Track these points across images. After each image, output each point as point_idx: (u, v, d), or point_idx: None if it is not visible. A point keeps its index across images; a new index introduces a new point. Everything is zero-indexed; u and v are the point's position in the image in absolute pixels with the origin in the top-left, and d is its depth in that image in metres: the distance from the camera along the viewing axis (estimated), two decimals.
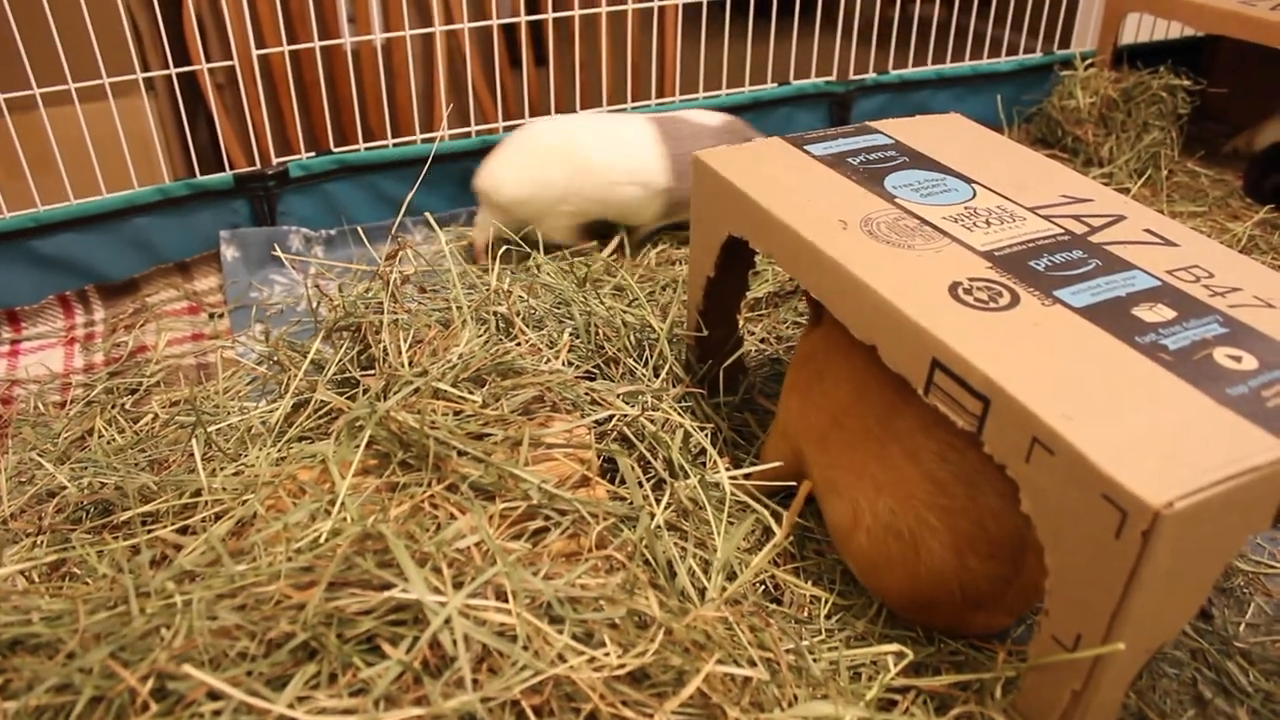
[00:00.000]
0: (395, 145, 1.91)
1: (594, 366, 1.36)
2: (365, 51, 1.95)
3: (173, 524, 1.10)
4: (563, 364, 1.27)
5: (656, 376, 1.37)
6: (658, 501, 1.12)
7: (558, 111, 1.93)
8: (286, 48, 1.75)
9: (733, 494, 1.11)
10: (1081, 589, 0.84)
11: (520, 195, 1.78)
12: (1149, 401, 0.87)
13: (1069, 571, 0.86)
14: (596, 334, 1.38)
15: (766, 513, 1.14)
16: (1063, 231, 1.13)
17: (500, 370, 1.18)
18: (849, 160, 1.29)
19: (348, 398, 1.20)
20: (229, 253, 1.88)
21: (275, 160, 1.84)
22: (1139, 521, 0.78)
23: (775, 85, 2.12)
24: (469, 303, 1.32)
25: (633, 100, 2.04)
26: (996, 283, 1.03)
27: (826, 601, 1.13)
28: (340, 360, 1.23)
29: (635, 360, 1.38)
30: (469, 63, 1.92)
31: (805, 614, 1.11)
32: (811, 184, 1.23)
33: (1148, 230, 1.15)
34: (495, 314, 1.34)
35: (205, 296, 1.88)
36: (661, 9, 2.09)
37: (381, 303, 1.29)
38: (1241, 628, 1.15)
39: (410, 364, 1.19)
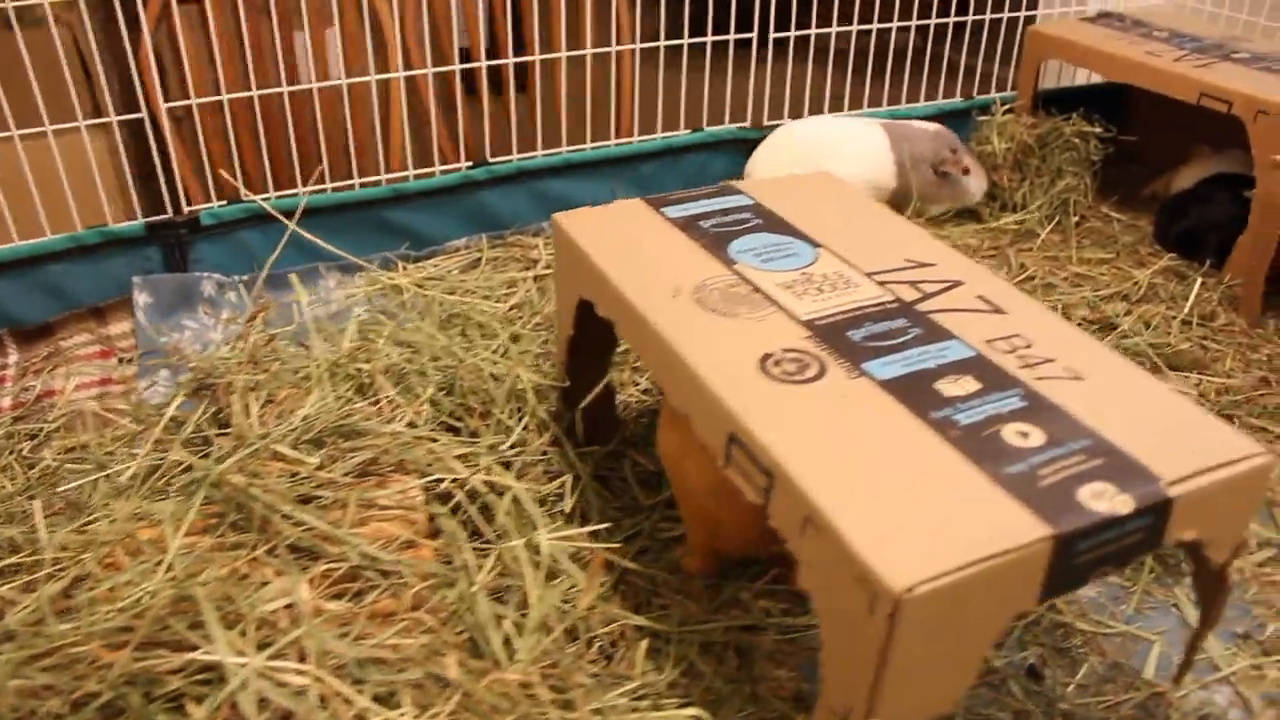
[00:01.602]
0: (307, 192, 1.94)
1: (458, 419, 1.38)
2: (310, 96, 1.97)
3: (15, 581, 1.13)
4: (419, 422, 1.29)
5: (524, 429, 1.39)
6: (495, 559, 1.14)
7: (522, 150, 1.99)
8: (195, 100, 1.79)
9: (552, 557, 1.13)
10: (847, 665, 0.86)
11: (763, 178, 2.03)
12: (922, 481, 0.89)
13: (836, 647, 0.87)
14: (463, 387, 1.40)
15: (579, 572, 1.16)
16: (893, 299, 1.15)
17: (343, 432, 1.20)
18: (700, 224, 1.32)
19: (202, 457, 1.23)
20: (141, 298, 1.91)
21: (195, 207, 1.87)
22: (884, 604, 0.79)
23: (688, 131, 2.15)
24: (334, 359, 1.35)
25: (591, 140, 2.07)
26: (808, 354, 1.05)
27: (665, 655, 1.15)
28: (198, 420, 1.26)
29: (504, 413, 1.40)
30: (418, 103, 1.95)
31: (633, 668, 1.13)
32: (657, 249, 1.26)
33: (980, 297, 1.17)
34: (359, 370, 1.37)
35: (118, 341, 1.91)
36: (619, 54, 2.12)
37: (249, 360, 1.32)
38: (1071, 688, 1.17)
39: (260, 424, 1.22)
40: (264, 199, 1.89)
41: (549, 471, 1.38)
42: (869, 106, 2.31)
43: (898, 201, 2.16)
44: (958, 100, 2.39)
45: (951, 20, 2.36)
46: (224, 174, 1.87)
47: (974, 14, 2.37)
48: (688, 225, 1.32)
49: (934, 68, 2.35)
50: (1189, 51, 2.12)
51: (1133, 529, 0.89)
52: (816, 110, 2.27)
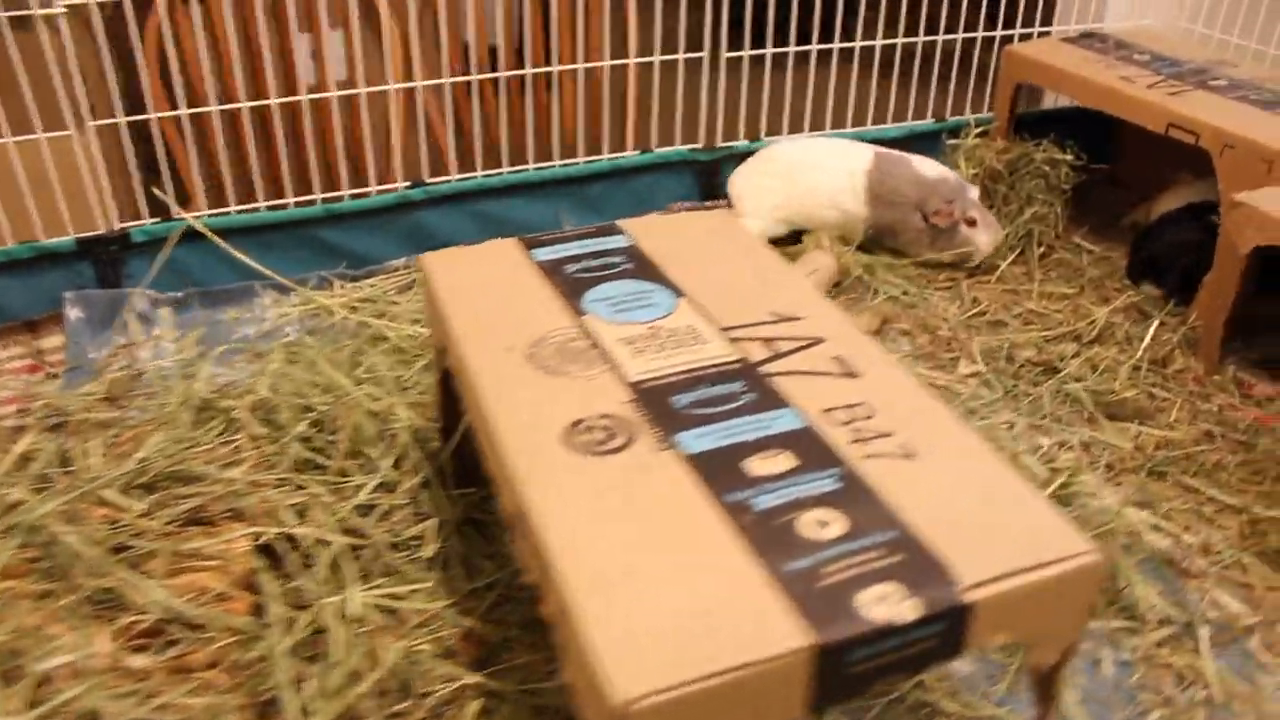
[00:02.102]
0: (239, 211, 1.93)
1: (328, 458, 1.35)
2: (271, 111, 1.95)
3: None
4: (279, 462, 1.27)
5: (396, 468, 1.36)
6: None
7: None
8: (123, 119, 1.78)
9: (368, 612, 1.10)
10: None
11: (741, 188, 2.10)
12: (692, 575, 0.83)
13: None
14: (336, 424, 1.37)
15: (397, 628, 1.12)
16: (737, 359, 1.09)
17: (180, 475, 1.18)
18: (566, 268, 1.27)
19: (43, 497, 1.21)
20: (73, 313, 1.91)
21: (126, 224, 1.86)
22: (610, 714, 0.74)
23: (636, 153, 2.10)
24: (195, 394, 1.32)
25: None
26: (622, 421, 1.00)
27: None
28: (48, 457, 1.24)
29: (377, 452, 1.37)
30: (391, 118, 1.92)
31: None
32: (510, 297, 1.21)
33: (837, 358, 1.11)
34: (227, 408, 1.34)
35: (49, 355, 1.91)
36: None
37: (106, 397, 1.30)
38: None
39: (105, 464, 1.20)
40: (195, 216, 1.88)
41: (418, 514, 1.34)
42: (832, 127, 2.22)
43: (878, 235, 2.07)
44: (929, 122, 2.30)
45: (920, 40, 2.26)
46: (156, 191, 1.86)
47: (954, 32, 2.26)
48: (553, 270, 1.27)
49: (904, 87, 2.26)
50: (1165, 77, 2.00)
51: (921, 636, 0.83)
52: (775, 131, 2.19)
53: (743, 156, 2.14)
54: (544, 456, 0.96)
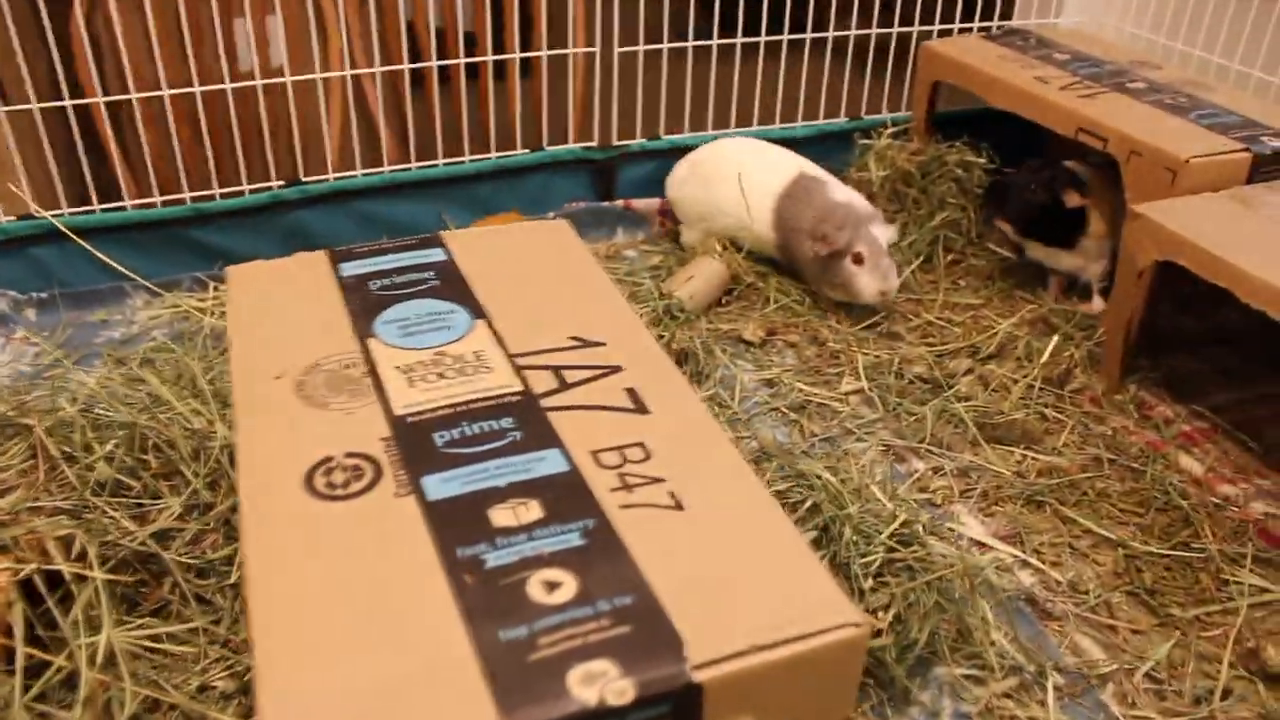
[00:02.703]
0: (104, 210, 1.84)
1: (137, 478, 1.27)
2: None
3: None
4: (82, 486, 1.19)
5: (212, 489, 1.28)
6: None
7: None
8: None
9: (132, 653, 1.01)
10: None
11: (673, 195, 2.01)
12: (393, 645, 0.75)
13: None
14: (147, 443, 1.29)
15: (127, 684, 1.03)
16: (518, 391, 1.00)
17: None
18: (370, 285, 1.18)
19: None
20: None
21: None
22: None
23: (526, 151, 2.00)
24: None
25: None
26: (371, 461, 0.91)
27: None
28: None
29: (192, 472, 1.29)
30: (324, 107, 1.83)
31: None
32: (302, 317, 1.13)
33: (629, 390, 1.02)
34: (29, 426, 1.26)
35: None
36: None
37: None
38: None
39: None
40: (55, 215, 1.79)
41: (231, 538, 1.26)
42: (737, 126, 2.12)
43: (786, 261, 1.90)
44: (841, 121, 2.20)
45: (831, 34, 2.16)
46: (12, 187, 1.78)
47: (882, 26, 2.16)
48: (355, 286, 1.18)
49: (814, 83, 2.16)
50: (1081, 79, 1.90)
51: (644, 719, 0.74)
52: (675, 130, 2.09)
53: (640, 156, 2.04)
54: (276, 500, 0.87)
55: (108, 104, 1.81)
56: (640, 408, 0.99)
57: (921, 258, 1.96)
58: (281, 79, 1.82)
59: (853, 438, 1.54)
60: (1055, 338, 1.73)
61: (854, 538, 1.17)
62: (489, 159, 1.97)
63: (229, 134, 1.86)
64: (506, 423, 0.96)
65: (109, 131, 1.88)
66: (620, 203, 2.05)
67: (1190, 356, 1.76)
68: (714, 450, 0.95)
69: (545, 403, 0.99)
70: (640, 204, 2.06)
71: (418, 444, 0.93)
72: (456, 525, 0.85)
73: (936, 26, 2.24)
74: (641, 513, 0.87)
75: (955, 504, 1.42)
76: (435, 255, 1.24)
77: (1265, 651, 1.20)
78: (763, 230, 1.85)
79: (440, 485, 0.89)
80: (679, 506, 0.88)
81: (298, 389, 1.01)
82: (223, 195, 1.85)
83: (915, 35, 2.20)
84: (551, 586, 0.79)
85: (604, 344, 1.09)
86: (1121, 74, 1.93)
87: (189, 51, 1.78)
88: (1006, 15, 2.57)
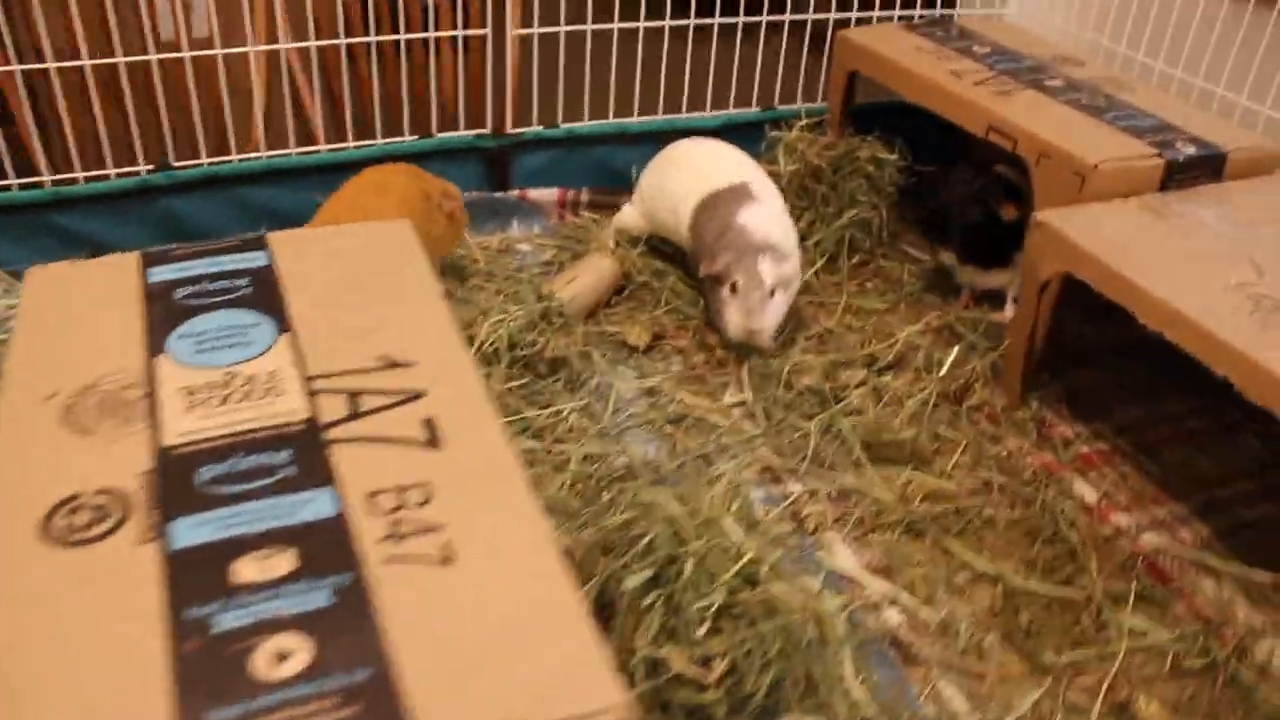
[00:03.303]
0: None
1: None
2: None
3: None
4: None
5: None
6: None
7: None
8: None
9: None
10: None
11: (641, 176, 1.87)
12: None
13: None
14: None
15: None
16: (304, 419, 0.91)
17: None
18: (176, 293, 1.08)
19: None
20: None
21: None
22: None
23: (414, 137, 1.90)
24: None
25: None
26: (122, 499, 0.82)
27: None
28: None
29: None
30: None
31: None
32: (93, 328, 1.03)
33: (427, 420, 0.93)
34: None
35: None
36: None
37: None
38: None
39: None
40: None
41: None
42: (641, 114, 2.02)
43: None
44: (752, 110, 2.10)
45: (740, 20, 2.06)
46: None
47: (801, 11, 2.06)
48: (160, 294, 1.08)
49: (724, 69, 2.05)
50: (998, 73, 1.81)
51: None
52: (575, 118, 1.99)
53: (536, 145, 1.94)
54: (6, 545, 0.78)
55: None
56: (433, 441, 0.90)
57: (826, 257, 1.87)
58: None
59: (728, 455, 1.45)
60: (955, 350, 1.64)
61: (695, 577, 1.08)
62: (374, 145, 1.86)
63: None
64: (282, 456, 0.87)
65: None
66: (516, 193, 1.95)
67: (1097, 371, 1.68)
68: (506, 492, 0.86)
69: (331, 433, 0.90)
70: (537, 194, 1.96)
71: (178, 480, 0.84)
72: (193, 580, 0.75)
73: (876, 14, 2.15)
74: (405, 569, 0.78)
75: (828, 531, 1.34)
76: (255, 259, 1.15)
77: (1137, 704, 1.14)
78: (685, 234, 1.74)
79: (190, 530, 0.79)
80: (448, 561, 0.79)
81: (65, 413, 0.91)
82: (87, 179, 1.74)
83: (835, 22, 2.10)
84: (282, 657, 0.70)
85: (414, 365, 0.99)
86: (1041, 70, 1.84)
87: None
88: (949, 3, 2.47)
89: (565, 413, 1.49)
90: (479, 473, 0.87)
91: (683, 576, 1.08)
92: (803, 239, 1.90)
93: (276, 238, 1.19)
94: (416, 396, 0.95)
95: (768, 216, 1.63)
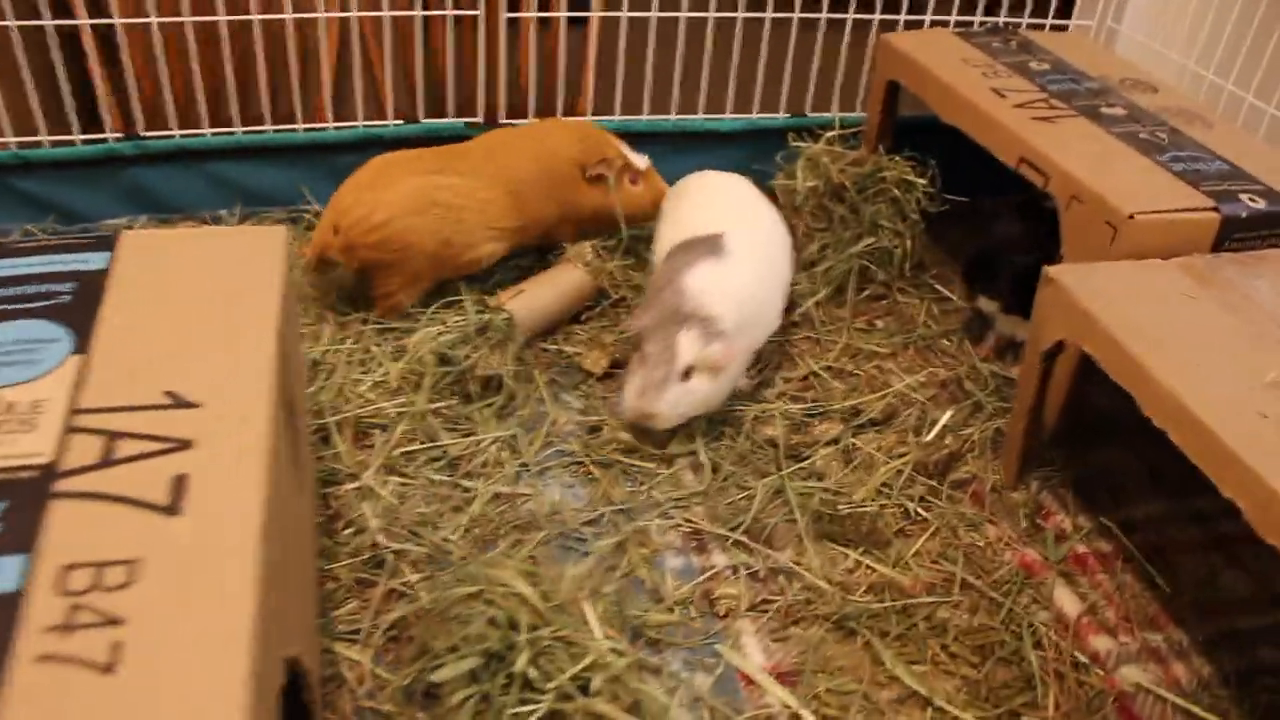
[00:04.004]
0: None
1: None
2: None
3: None
4: None
5: None
6: None
7: None
8: None
9: None
10: None
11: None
12: None
13: None
14: None
15: None
16: (40, 464, 0.80)
17: None
18: None
19: None
20: None
21: None
22: None
23: (398, 122, 1.76)
24: None
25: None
26: None
27: None
28: None
29: None
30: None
31: None
32: None
33: (177, 478, 0.80)
34: None
35: None
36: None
37: None
38: None
39: None
40: None
41: None
42: (652, 113, 1.84)
43: None
44: (778, 116, 1.89)
45: (796, 15, 1.84)
46: None
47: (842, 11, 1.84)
48: None
49: (749, 67, 1.85)
50: (1049, 95, 1.57)
51: None
52: (573, 110, 1.82)
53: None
54: None
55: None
56: (173, 507, 0.77)
57: (832, 288, 1.66)
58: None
59: (656, 511, 1.28)
60: (949, 412, 1.43)
61: (526, 674, 0.93)
62: (355, 128, 1.74)
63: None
64: None
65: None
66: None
67: (1121, 451, 1.44)
68: (224, 587, 0.72)
69: (64, 484, 0.78)
70: None
71: None
72: None
73: (952, 16, 1.90)
74: (56, 671, 0.65)
75: (742, 619, 1.16)
76: (92, 262, 1.03)
77: None
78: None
79: None
80: (110, 669, 0.65)
81: None
82: (52, 143, 1.67)
83: (881, 24, 1.87)
84: None
85: (200, 407, 0.86)
86: (1101, 95, 1.58)
87: None
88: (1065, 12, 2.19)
89: (485, 443, 1.34)
90: (205, 555, 0.74)
91: (513, 671, 0.93)
92: (811, 265, 1.70)
93: (130, 238, 1.07)
94: (182, 446, 0.82)
95: (722, 281, 1.35)
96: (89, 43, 1.61)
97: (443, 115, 1.80)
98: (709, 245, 1.39)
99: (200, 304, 0.98)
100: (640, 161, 1.63)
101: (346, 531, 1.23)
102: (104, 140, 1.68)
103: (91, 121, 1.69)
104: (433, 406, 1.38)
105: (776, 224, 1.55)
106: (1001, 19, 1.94)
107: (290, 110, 1.74)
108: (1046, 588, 1.23)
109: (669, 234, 1.49)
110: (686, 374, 1.29)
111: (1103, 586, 1.24)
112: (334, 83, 1.75)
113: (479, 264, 1.56)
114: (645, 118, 1.83)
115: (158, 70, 1.64)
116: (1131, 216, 1.28)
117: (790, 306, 1.63)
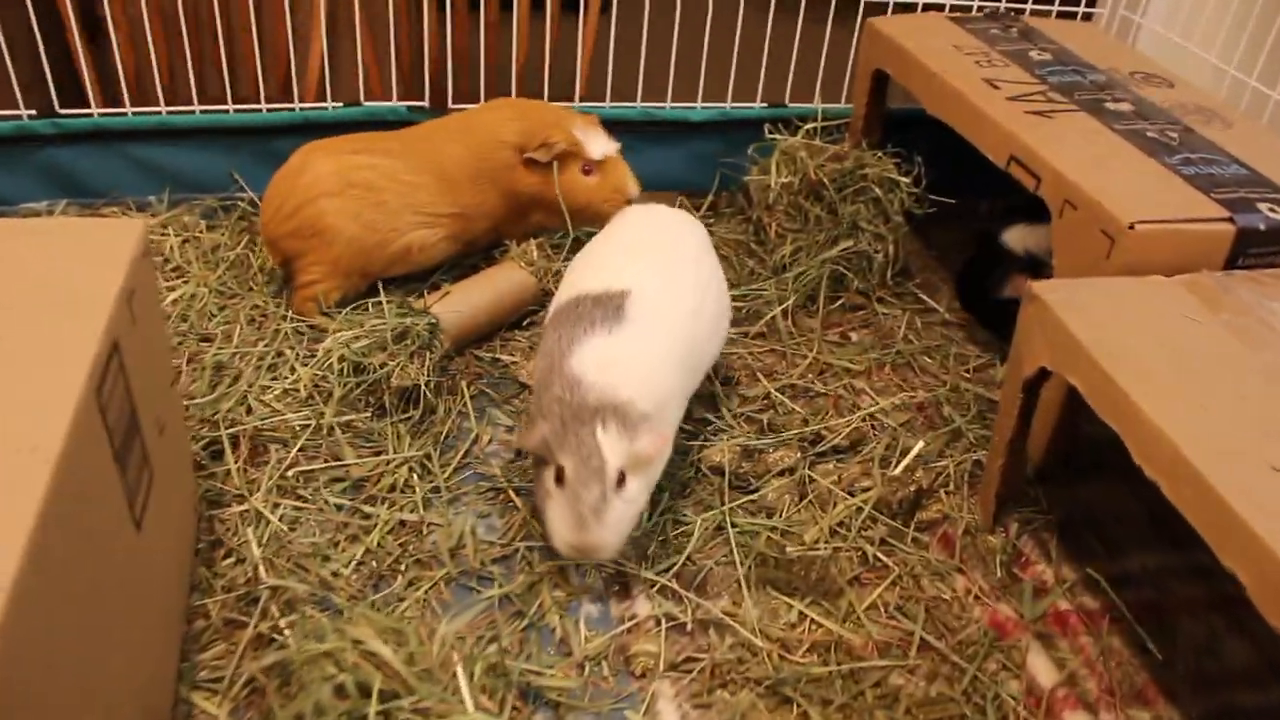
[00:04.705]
0: None
1: None
2: None
3: None
4: None
5: None
6: None
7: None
8: None
9: None
10: None
11: None
12: None
13: None
14: None
15: None
16: None
17: None
18: None
19: None
20: None
21: None
22: None
23: (339, 105, 1.62)
24: None
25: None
26: None
27: None
28: None
29: None
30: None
31: None
32: None
33: None
34: None
35: None
36: None
37: None
38: None
39: None
40: None
41: None
42: (614, 100, 1.68)
43: None
44: (755, 106, 1.73)
45: None
46: None
47: None
48: None
49: (723, 51, 1.69)
50: (1047, 88, 1.40)
51: None
52: (533, 91, 1.66)
53: None
54: None
55: None
56: None
57: (804, 295, 1.50)
58: None
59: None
60: (922, 441, 1.27)
61: None
62: (291, 110, 1.60)
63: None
64: None
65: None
66: None
67: (1119, 489, 1.28)
68: None
69: None
70: None
71: None
72: None
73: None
74: None
75: (660, 680, 1.01)
76: None
77: None
78: None
79: None
80: None
81: None
82: None
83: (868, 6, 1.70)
84: None
85: None
86: (1107, 88, 1.42)
87: None
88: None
89: (395, 463, 1.20)
90: None
91: None
92: (782, 269, 1.54)
93: None
94: None
95: (622, 354, 1.08)
96: None
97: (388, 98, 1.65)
98: (608, 304, 1.12)
99: (13, 311, 0.84)
100: (597, 148, 1.46)
101: (226, 561, 1.09)
102: (18, 118, 1.55)
103: (5, 97, 1.56)
104: (342, 420, 1.24)
105: (704, 272, 1.25)
106: (1003, 3, 1.77)
107: (221, 91, 1.60)
108: (1019, 652, 1.07)
109: (563, 289, 1.22)
110: (620, 481, 1.03)
111: (1085, 652, 1.08)
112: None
113: (411, 255, 1.42)
114: (609, 105, 1.67)
115: (73, 42, 1.51)
116: (1131, 226, 1.11)
117: (755, 316, 1.48)
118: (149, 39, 1.53)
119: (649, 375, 1.08)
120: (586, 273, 1.21)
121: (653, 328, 1.12)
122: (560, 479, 1.02)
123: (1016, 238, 1.42)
